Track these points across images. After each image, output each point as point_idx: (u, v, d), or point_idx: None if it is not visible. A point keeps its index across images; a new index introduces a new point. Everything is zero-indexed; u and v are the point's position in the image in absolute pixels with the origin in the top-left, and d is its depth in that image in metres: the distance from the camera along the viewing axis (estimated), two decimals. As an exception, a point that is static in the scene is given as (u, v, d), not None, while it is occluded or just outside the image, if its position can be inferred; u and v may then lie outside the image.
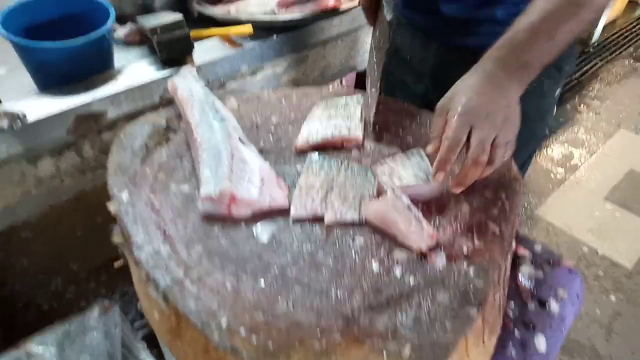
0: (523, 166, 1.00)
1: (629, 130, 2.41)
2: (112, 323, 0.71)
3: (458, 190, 0.63)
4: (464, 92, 0.62)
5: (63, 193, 0.89)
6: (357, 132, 0.74)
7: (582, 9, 0.63)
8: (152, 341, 0.76)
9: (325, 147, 0.73)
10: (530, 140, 0.95)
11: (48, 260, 0.97)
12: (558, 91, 0.93)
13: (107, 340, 0.69)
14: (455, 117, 0.60)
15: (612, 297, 1.66)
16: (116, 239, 0.61)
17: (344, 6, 1.10)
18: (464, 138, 0.60)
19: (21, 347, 0.68)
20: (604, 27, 2.82)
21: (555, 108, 0.98)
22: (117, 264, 0.69)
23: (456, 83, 0.65)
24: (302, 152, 0.72)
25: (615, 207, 2.00)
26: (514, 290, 0.71)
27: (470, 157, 0.60)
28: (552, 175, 2.14)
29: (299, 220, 0.61)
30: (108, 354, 0.68)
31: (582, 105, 2.55)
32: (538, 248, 0.78)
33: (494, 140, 0.60)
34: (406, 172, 0.68)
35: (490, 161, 0.61)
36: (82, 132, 0.84)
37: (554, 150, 2.28)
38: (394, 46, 1.00)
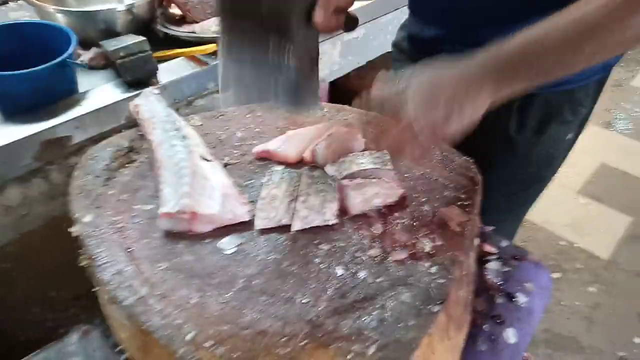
0: (523, 207, 0.96)
1: (598, 126, 2.47)
2: (92, 347, 0.71)
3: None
4: (423, 76, 0.58)
5: (33, 220, 0.88)
6: None
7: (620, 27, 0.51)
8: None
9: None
10: (533, 184, 0.91)
11: (26, 290, 0.95)
12: (571, 135, 0.84)
13: (88, 364, 0.69)
14: (410, 101, 0.56)
15: (591, 289, 1.70)
16: (83, 262, 0.61)
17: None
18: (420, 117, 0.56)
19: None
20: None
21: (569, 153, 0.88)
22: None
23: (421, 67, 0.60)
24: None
25: (589, 201, 2.04)
26: (482, 286, 0.72)
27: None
28: (526, 173, 2.18)
29: (264, 232, 0.62)
30: (89, 379, 0.67)
31: (551, 104, 2.61)
32: (504, 244, 0.80)
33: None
34: (365, 160, 0.68)
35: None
36: (48, 158, 0.84)
37: (527, 148, 2.32)
38: None
